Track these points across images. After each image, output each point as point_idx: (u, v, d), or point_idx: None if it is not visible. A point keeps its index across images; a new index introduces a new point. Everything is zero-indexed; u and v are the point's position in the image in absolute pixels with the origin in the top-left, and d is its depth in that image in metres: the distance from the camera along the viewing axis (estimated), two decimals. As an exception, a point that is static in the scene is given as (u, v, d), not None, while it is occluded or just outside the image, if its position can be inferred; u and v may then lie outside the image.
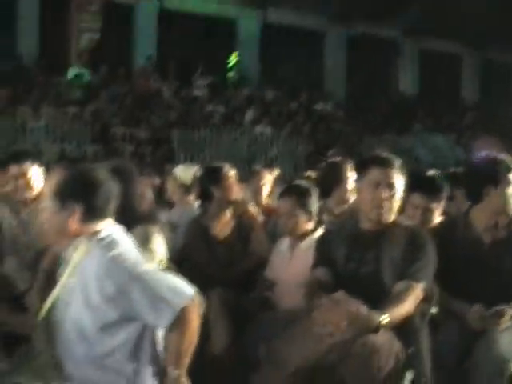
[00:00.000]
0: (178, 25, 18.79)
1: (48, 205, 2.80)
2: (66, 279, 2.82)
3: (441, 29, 20.53)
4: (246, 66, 19.54)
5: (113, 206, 2.85)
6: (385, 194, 3.41)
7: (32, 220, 4.45)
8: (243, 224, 4.98)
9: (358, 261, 3.46)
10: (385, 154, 3.67)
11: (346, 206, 4.93)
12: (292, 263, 4.30)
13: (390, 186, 3.43)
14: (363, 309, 3.07)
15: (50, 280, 3.03)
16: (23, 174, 4.52)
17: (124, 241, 2.84)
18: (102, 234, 2.79)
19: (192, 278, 2.89)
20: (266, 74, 19.96)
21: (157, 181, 7.51)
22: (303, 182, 4.70)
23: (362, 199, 3.53)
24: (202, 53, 19.16)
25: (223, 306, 4.27)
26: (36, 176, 4.53)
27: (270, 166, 10.68)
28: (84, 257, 2.77)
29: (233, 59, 19.72)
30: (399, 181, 3.48)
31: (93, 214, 2.78)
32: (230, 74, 19.26)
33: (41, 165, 4.67)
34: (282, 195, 4.48)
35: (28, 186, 4.50)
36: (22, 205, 4.61)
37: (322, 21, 20.62)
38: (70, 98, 15.14)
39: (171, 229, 5.46)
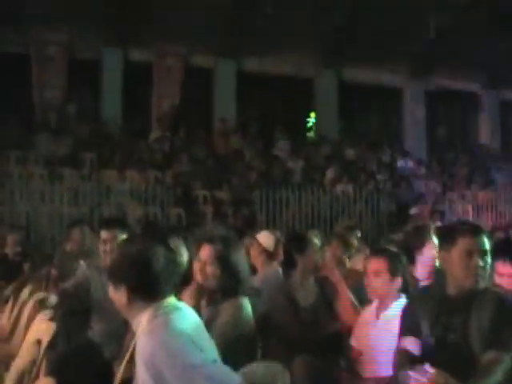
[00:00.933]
0: (256, 85, 19.01)
1: (109, 282, 2.84)
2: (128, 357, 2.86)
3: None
4: (324, 124, 19.56)
5: (167, 286, 2.78)
6: (479, 262, 3.34)
7: None
8: (327, 289, 4.88)
9: (444, 327, 3.37)
10: (473, 221, 3.59)
11: (429, 271, 4.86)
12: (377, 330, 4.19)
13: (484, 253, 3.37)
14: (451, 381, 2.99)
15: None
16: (112, 240, 4.65)
17: (178, 322, 2.74)
18: (153, 316, 2.73)
19: (276, 343, 2.78)
20: (345, 132, 19.94)
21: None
22: (391, 247, 4.60)
23: (452, 267, 3.41)
24: (281, 113, 19.34)
25: (308, 373, 4.11)
26: None
27: (351, 224, 10.51)
28: (137, 338, 2.73)
29: (311, 118, 19.79)
30: (489, 246, 3.40)
31: (141, 295, 2.75)
32: (309, 133, 19.30)
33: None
34: (371, 256, 4.39)
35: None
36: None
37: (399, 76, 20.55)
38: (153, 161, 15.39)
39: (255, 294, 5.38)
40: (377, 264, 4.23)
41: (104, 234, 4.81)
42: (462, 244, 3.35)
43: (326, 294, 4.87)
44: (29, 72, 16.91)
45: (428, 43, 19.11)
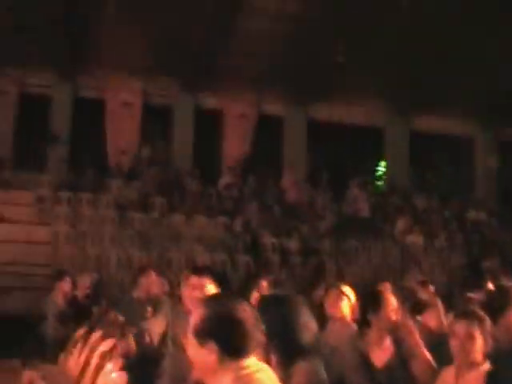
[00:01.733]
0: (326, 134, 19.00)
1: (191, 338, 2.77)
2: None
3: None
4: (395, 173, 19.37)
5: (253, 344, 2.73)
6: None
7: None
8: (403, 349, 4.68)
9: None
10: None
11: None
12: None
13: None
14: None
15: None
16: (201, 287, 4.71)
17: (258, 377, 2.69)
18: (237, 376, 2.67)
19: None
20: (415, 182, 19.69)
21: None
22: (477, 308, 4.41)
23: None
24: (351, 162, 19.25)
25: None
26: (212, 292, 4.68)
27: (423, 277, 10.26)
28: None
29: (382, 167, 19.63)
30: None
31: (230, 352, 2.69)
32: (380, 183, 19.12)
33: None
34: (460, 317, 4.19)
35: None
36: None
37: (471, 126, 20.26)
38: (222, 207, 15.45)
39: (330, 350, 5.24)
40: (466, 326, 4.05)
41: (194, 280, 4.82)
42: None
43: (403, 355, 4.68)
44: (103, 117, 17.29)
45: (499, 93, 18.82)
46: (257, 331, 2.75)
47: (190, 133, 17.82)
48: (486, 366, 3.96)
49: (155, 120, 17.53)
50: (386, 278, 11.80)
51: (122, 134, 17.31)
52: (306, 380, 3.52)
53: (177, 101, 17.91)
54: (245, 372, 2.68)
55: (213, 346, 2.67)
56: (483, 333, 4.04)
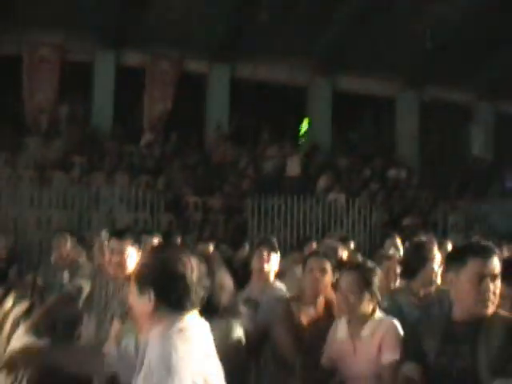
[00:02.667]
0: (250, 92, 18.91)
1: (132, 284, 2.74)
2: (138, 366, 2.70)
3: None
4: (317, 133, 19.47)
5: (194, 298, 2.68)
6: (489, 286, 3.11)
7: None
8: (331, 310, 4.68)
9: (451, 355, 3.15)
10: (482, 241, 3.36)
11: (431, 289, 4.66)
12: (357, 354, 3.89)
13: (495, 277, 3.14)
14: None
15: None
16: (121, 252, 4.67)
17: (191, 333, 2.65)
18: (171, 325, 2.63)
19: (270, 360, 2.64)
20: (337, 141, 19.87)
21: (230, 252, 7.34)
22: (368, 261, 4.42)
23: (460, 290, 3.18)
24: (274, 120, 19.25)
25: None
26: (132, 256, 4.67)
27: (346, 235, 10.39)
28: (150, 347, 2.62)
29: (304, 126, 19.70)
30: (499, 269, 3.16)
31: (167, 303, 2.65)
32: (302, 141, 19.20)
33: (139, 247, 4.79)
34: (345, 271, 4.11)
35: (125, 264, 4.66)
36: (117, 279, 4.78)
37: (393, 86, 20.50)
38: (144, 166, 15.25)
39: (253, 307, 5.24)
40: (350, 278, 3.96)
41: (117, 245, 4.73)
42: (471, 267, 3.11)
43: (331, 314, 4.67)
44: (20, 74, 16.74)
45: (423, 54, 19.10)
46: (199, 287, 2.69)
47: (110, 90, 17.44)
48: (378, 315, 3.92)
49: (75, 77, 17.01)
50: (310, 237, 11.95)
51: (41, 91, 16.81)
52: (223, 336, 3.49)
53: (97, 57, 17.47)
54: (179, 325, 2.64)
55: (151, 296, 2.63)
56: (371, 285, 3.96)
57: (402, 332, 3.77)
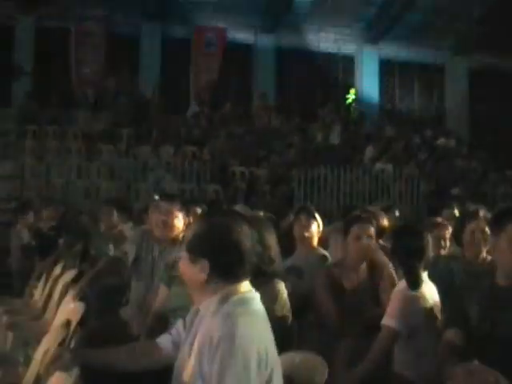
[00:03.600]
0: (296, 62, 18.80)
1: (183, 255, 2.68)
2: (188, 338, 2.70)
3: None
4: (365, 102, 19.28)
5: (247, 267, 2.63)
6: None
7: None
8: (374, 274, 4.66)
9: (493, 321, 3.10)
10: None
11: (485, 257, 4.65)
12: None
13: None
14: (503, 381, 2.71)
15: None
16: (170, 213, 4.78)
17: (252, 306, 2.61)
18: (226, 299, 2.58)
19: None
20: (385, 111, 19.66)
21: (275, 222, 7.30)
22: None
23: (501, 255, 3.14)
24: (321, 89, 19.13)
25: (349, 357, 4.03)
26: (179, 219, 4.82)
27: (390, 205, 10.28)
28: (209, 321, 2.57)
29: (351, 95, 19.51)
30: None
31: (222, 273, 2.59)
32: (350, 110, 19.04)
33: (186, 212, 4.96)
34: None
35: (172, 225, 4.79)
36: (163, 242, 4.89)
37: (442, 53, 20.15)
38: (189, 137, 15.30)
39: (297, 274, 5.24)
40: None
41: (165, 206, 4.85)
42: (509, 231, 3.07)
43: (375, 278, 4.66)
44: (68, 47, 16.90)
45: (472, 21, 18.71)
46: (251, 255, 2.64)
47: (157, 62, 17.53)
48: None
49: (121, 50, 17.13)
50: (356, 205, 11.86)
51: (88, 64, 16.96)
52: (270, 300, 3.50)
53: (143, 30, 17.55)
54: (235, 298, 2.60)
55: (205, 265, 2.58)
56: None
57: (412, 300, 3.82)
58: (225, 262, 2.59)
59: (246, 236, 2.63)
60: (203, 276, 2.58)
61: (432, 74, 20.97)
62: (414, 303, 3.85)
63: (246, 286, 2.65)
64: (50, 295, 5.90)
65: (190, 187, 13.36)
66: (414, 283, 3.88)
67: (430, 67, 20.65)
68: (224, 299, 2.57)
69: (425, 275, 4.00)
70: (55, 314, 4.89)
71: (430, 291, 3.96)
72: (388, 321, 3.81)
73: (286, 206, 11.67)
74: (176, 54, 17.66)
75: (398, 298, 3.88)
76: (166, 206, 4.85)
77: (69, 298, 4.71)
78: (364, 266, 4.66)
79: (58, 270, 6.34)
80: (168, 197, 5.12)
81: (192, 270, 2.62)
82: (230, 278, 2.60)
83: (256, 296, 2.67)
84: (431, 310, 3.87)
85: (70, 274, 5.80)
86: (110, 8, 16.68)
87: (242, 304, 2.58)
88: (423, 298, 3.88)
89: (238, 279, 2.62)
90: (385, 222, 5.98)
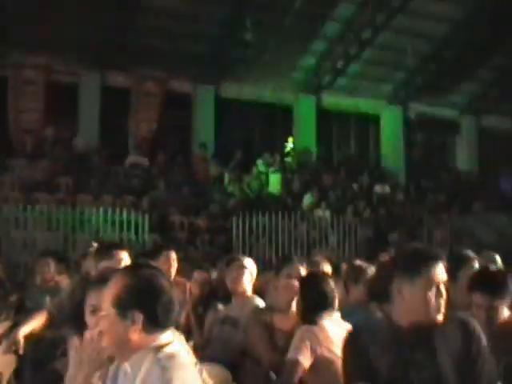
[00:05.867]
0: (235, 112, 19.03)
1: (108, 312, 2.61)
2: None
3: (499, 106, 20.49)
4: (302, 150, 19.56)
5: (174, 315, 2.65)
6: (442, 293, 3.03)
7: None
8: None
9: (406, 365, 2.95)
10: (426, 247, 3.40)
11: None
12: None
13: (443, 284, 3.06)
14: None
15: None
16: (120, 261, 4.64)
17: (182, 359, 2.62)
18: (162, 349, 2.57)
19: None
20: (323, 158, 19.99)
21: (213, 274, 7.38)
22: None
23: (411, 299, 3.01)
24: (260, 139, 19.41)
25: None
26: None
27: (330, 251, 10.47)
28: (143, 372, 2.55)
29: (289, 144, 19.82)
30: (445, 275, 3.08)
31: (155, 323, 2.58)
32: (288, 159, 19.30)
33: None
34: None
35: None
36: None
37: (378, 102, 20.69)
38: (129, 186, 15.27)
39: (232, 324, 5.29)
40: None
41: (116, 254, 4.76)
42: (424, 274, 3.01)
43: None
44: (5, 95, 16.77)
45: (407, 70, 19.31)
46: (176, 303, 2.66)
47: (96, 111, 17.48)
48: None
49: (61, 98, 17.05)
50: (294, 253, 12.00)
51: (26, 112, 16.83)
52: None
53: (83, 78, 17.52)
54: (167, 351, 2.58)
55: (138, 317, 2.54)
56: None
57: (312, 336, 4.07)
58: (158, 310, 2.57)
59: (169, 284, 2.66)
60: (135, 328, 2.55)
61: (368, 123, 21.45)
62: (312, 336, 4.06)
63: (169, 336, 2.64)
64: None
65: (129, 237, 13.29)
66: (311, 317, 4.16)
67: (366, 116, 21.13)
68: (155, 352, 2.55)
69: (336, 316, 4.30)
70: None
71: (333, 330, 4.15)
72: (290, 354, 4.02)
73: (224, 255, 11.70)
74: (116, 102, 17.67)
75: (300, 331, 4.12)
76: (116, 254, 4.80)
77: (1, 350, 4.66)
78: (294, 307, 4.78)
79: (-9, 322, 6.24)
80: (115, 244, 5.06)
81: (120, 326, 2.57)
82: (162, 327, 2.59)
83: (181, 345, 2.70)
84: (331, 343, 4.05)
85: (4, 326, 5.72)
86: (49, 56, 16.63)
87: (174, 357, 2.56)
88: (323, 331, 4.11)
89: (167, 328, 2.62)
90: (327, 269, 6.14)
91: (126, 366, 2.63)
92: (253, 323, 4.86)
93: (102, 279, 3.24)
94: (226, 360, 4.74)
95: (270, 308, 4.97)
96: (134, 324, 2.55)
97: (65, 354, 5.12)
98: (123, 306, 2.56)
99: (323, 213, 15.54)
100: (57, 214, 13.25)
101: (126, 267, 3.05)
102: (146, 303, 2.56)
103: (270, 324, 4.78)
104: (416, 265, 3.05)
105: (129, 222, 13.56)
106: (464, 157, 22.37)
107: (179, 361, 2.57)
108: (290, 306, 4.78)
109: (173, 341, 2.65)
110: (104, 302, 2.64)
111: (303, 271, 4.87)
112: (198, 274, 7.01)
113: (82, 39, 16.06)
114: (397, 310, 3.05)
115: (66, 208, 13.61)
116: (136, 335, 2.56)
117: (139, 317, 2.55)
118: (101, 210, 13.53)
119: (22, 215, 13.08)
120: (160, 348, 2.57)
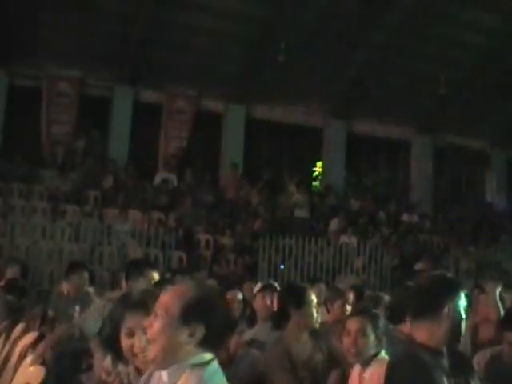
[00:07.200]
0: (265, 133, 19.06)
1: (170, 318, 2.56)
2: None
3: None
4: (331, 175, 19.51)
5: (229, 335, 2.65)
6: None
7: None
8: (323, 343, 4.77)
9: None
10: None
11: None
12: None
13: None
14: None
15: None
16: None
17: (222, 378, 2.59)
18: (207, 365, 2.54)
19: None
20: (351, 184, 19.90)
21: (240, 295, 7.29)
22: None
23: None
24: (289, 161, 19.37)
25: None
26: None
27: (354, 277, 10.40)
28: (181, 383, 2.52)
29: (318, 168, 19.77)
30: None
31: (211, 340, 2.56)
32: (316, 183, 19.25)
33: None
34: (353, 315, 4.44)
35: None
36: None
37: (408, 130, 20.58)
38: (157, 202, 15.32)
39: (259, 348, 5.23)
40: (359, 322, 4.20)
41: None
42: None
43: (323, 350, 4.75)
44: (39, 106, 16.95)
45: (439, 98, 19.21)
46: (233, 322, 2.67)
47: (127, 125, 17.59)
48: (382, 357, 4.06)
49: (93, 111, 17.21)
50: (319, 278, 11.92)
51: (58, 123, 16.99)
52: None
53: (116, 92, 17.66)
54: (210, 368, 2.55)
55: (200, 330, 2.52)
56: (375, 329, 4.15)
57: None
58: (218, 328, 2.56)
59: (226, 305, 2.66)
60: (192, 341, 2.53)
61: (398, 149, 21.35)
62: None
63: (211, 354, 2.60)
64: (7, 357, 5.80)
65: (155, 253, 13.31)
66: None
67: (396, 143, 21.04)
68: (200, 367, 2.52)
69: None
70: (12, 377, 4.81)
71: None
72: None
73: (250, 275, 11.69)
74: (147, 118, 17.79)
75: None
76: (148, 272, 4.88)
77: (28, 361, 4.64)
78: (307, 335, 4.76)
79: (17, 331, 6.24)
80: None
81: (178, 335, 2.53)
82: (215, 345, 2.58)
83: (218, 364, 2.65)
84: None
85: (31, 337, 5.71)
86: (84, 69, 16.81)
87: (216, 375, 2.55)
88: None
89: (220, 347, 2.61)
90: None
91: (163, 374, 2.60)
92: (277, 355, 4.80)
93: (141, 303, 3.26)
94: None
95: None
96: (192, 336, 2.53)
97: (90, 367, 5.13)
98: (190, 317, 2.54)
99: (349, 238, 15.46)
100: (84, 226, 13.32)
101: (192, 280, 3.09)
102: (210, 319, 2.55)
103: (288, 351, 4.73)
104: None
105: (155, 238, 13.59)
106: (493, 189, 22.16)
107: (220, 379, 2.57)
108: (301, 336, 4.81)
109: (214, 359, 2.61)
110: (167, 307, 2.59)
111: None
112: (230, 294, 6.91)
113: (116, 53, 16.24)
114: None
115: (94, 221, 13.70)
116: (189, 347, 2.53)
117: (201, 330, 2.53)
118: (128, 224, 13.59)
119: (50, 225, 13.17)
120: (205, 364, 2.54)
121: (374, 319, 4.22)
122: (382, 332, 4.20)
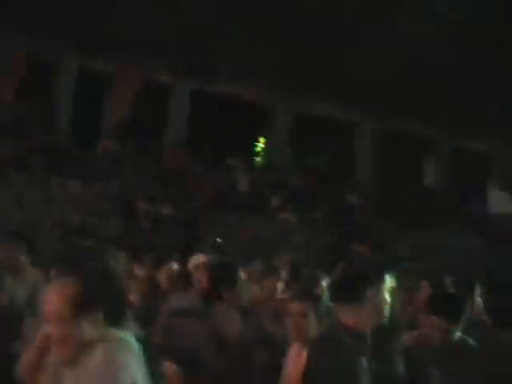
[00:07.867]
0: (212, 106, 19.06)
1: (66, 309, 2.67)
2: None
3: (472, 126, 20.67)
4: (274, 152, 19.63)
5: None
6: None
7: None
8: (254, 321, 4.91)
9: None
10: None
11: None
12: None
13: None
14: None
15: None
16: None
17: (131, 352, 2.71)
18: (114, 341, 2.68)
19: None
20: (294, 161, 20.04)
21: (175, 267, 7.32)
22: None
23: None
24: (233, 136, 19.40)
25: None
26: None
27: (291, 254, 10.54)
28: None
29: (262, 144, 19.87)
30: None
31: (112, 321, 2.71)
32: (258, 159, 19.35)
33: None
34: (295, 298, 4.44)
35: None
36: None
37: (353, 113, 20.76)
38: (97, 171, 15.23)
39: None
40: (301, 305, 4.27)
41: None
42: None
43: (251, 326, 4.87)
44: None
45: (384, 84, 19.40)
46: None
47: (71, 93, 17.41)
48: None
49: (37, 79, 16.98)
50: (257, 254, 12.03)
51: (1, 91, 16.73)
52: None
53: (61, 60, 17.45)
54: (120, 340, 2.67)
55: (97, 316, 2.63)
56: (316, 311, 4.21)
57: None
58: (116, 307, 2.75)
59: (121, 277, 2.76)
60: (92, 327, 2.67)
61: (343, 131, 21.53)
62: None
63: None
64: None
65: (94, 222, 13.26)
66: None
67: (342, 124, 21.21)
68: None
69: None
70: None
71: None
72: None
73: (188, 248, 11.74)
74: (92, 87, 17.62)
75: None
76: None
77: None
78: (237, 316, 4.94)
79: None
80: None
81: (76, 325, 2.64)
82: (117, 323, 2.76)
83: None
84: None
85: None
86: (31, 36, 16.55)
87: (122, 340, 2.68)
88: None
89: (122, 322, 2.83)
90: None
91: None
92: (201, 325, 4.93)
93: None
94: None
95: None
96: (94, 322, 2.66)
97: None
98: (85, 306, 2.65)
99: (288, 215, 15.60)
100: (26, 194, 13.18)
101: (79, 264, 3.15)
102: (108, 301, 2.69)
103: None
104: None
105: (95, 207, 13.54)
106: (435, 174, 22.52)
107: (126, 345, 2.68)
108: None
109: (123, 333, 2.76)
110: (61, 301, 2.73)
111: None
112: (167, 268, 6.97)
113: (60, 22, 16.02)
114: None
115: (35, 188, 13.55)
116: (93, 332, 2.66)
117: (100, 315, 2.68)
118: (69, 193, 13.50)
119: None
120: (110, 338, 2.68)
121: (315, 302, 4.28)
122: (324, 313, 4.21)
